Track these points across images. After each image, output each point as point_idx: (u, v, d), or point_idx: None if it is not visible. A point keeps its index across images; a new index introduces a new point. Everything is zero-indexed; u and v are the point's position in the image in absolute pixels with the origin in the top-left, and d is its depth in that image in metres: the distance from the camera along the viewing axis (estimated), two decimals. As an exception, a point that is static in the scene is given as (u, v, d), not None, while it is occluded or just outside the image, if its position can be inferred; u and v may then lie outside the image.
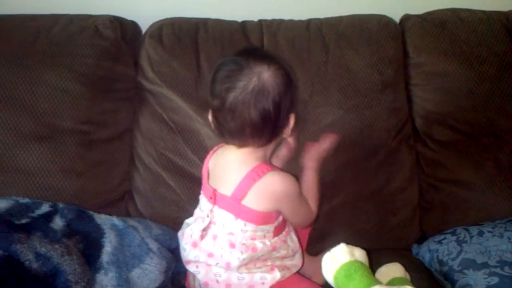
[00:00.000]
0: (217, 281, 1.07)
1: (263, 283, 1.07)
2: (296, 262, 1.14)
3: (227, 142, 1.09)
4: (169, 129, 1.35)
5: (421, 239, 1.36)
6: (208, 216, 1.09)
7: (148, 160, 1.36)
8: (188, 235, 1.12)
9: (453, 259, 1.18)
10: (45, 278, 0.91)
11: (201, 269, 1.08)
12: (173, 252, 1.14)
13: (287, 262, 1.12)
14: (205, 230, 1.09)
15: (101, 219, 1.08)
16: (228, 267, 1.06)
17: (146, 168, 1.36)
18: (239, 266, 1.05)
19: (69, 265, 0.92)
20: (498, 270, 1.08)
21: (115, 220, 1.09)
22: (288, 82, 1.04)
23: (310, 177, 1.16)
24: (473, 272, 1.10)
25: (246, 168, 1.05)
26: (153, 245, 1.07)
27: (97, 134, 1.32)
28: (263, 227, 1.07)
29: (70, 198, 1.25)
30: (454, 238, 1.24)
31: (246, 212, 1.05)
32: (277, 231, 1.10)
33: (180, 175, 1.34)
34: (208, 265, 1.08)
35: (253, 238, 1.06)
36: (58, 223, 1.05)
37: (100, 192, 1.32)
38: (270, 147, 1.09)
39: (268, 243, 1.08)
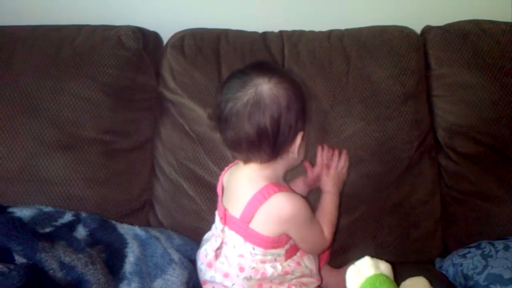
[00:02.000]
0: None
1: None
2: (314, 279, 1.11)
3: (233, 156, 1.08)
4: (190, 139, 1.36)
5: (444, 253, 1.34)
6: (220, 236, 1.08)
7: (169, 170, 1.36)
8: (204, 255, 1.11)
9: (478, 274, 1.16)
10: (69, 287, 0.91)
11: None
12: (194, 263, 1.13)
13: (304, 280, 1.09)
14: (218, 249, 1.08)
15: (124, 228, 1.09)
16: None
17: (167, 178, 1.36)
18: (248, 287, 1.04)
19: (93, 275, 0.92)
20: (526, 286, 1.06)
21: (138, 230, 1.10)
22: (293, 97, 1.00)
23: (328, 201, 1.13)
24: (499, 287, 1.08)
25: (253, 189, 1.02)
26: (175, 256, 1.07)
27: (118, 143, 1.33)
28: (273, 251, 1.04)
29: (92, 207, 1.26)
30: (479, 252, 1.22)
31: (254, 235, 1.02)
32: (290, 254, 1.07)
33: (201, 185, 1.34)
34: (225, 286, 1.06)
35: (263, 262, 1.04)
36: (81, 232, 1.06)
37: (121, 202, 1.32)
38: (279, 166, 1.05)
39: (279, 267, 1.05)
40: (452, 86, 1.39)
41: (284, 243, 1.05)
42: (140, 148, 1.37)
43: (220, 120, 1.01)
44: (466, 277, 1.18)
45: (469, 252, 1.24)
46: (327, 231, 1.09)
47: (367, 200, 1.31)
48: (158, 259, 1.04)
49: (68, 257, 0.94)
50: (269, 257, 1.04)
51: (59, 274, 0.92)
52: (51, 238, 0.98)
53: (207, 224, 1.32)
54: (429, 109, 1.41)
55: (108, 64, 1.35)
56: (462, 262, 1.22)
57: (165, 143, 1.38)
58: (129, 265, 1.00)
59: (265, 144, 0.99)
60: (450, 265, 1.26)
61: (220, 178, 1.16)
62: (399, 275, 1.04)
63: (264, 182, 1.02)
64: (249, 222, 1.02)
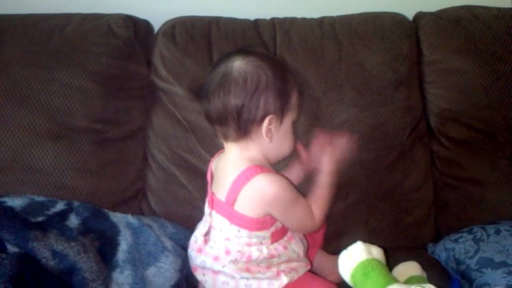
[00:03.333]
0: None
1: None
2: (303, 263, 1.11)
3: (214, 133, 1.09)
4: (182, 127, 1.35)
5: (436, 238, 1.35)
6: (208, 221, 1.08)
7: (161, 159, 1.36)
8: (193, 241, 1.11)
9: (470, 258, 1.17)
10: (61, 276, 0.91)
11: (208, 278, 1.06)
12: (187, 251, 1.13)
13: (293, 264, 1.09)
14: (207, 234, 1.08)
15: (116, 217, 1.08)
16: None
17: (159, 167, 1.36)
18: (236, 270, 1.04)
19: (86, 263, 0.92)
20: (517, 269, 1.06)
21: (130, 218, 1.09)
22: (265, 77, 0.99)
23: (322, 182, 1.09)
24: (491, 271, 1.09)
25: (237, 171, 1.02)
26: (168, 244, 1.07)
27: (110, 132, 1.32)
28: (258, 233, 1.04)
29: (84, 196, 1.26)
30: (470, 236, 1.23)
31: (239, 217, 1.02)
32: (276, 237, 1.06)
33: (193, 173, 1.33)
34: (215, 272, 1.06)
35: (249, 245, 1.04)
36: (73, 221, 1.05)
37: (113, 191, 1.32)
38: (257, 149, 1.03)
39: (265, 250, 1.04)
40: (444, 72, 1.40)
41: (269, 225, 1.04)
42: (132, 137, 1.37)
43: (201, 94, 1.04)
44: (458, 261, 1.19)
45: (461, 237, 1.25)
46: (318, 213, 1.07)
47: (360, 186, 1.32)
48: (151, 247, 1.04)
49: (60, 246, 0.93)
50: (254, 240, 1.04)
51: (52, 263, 0.91)
52: (43, 227, 0.97)
53: (200, 212, 1.31)
54: (421, 95, 1.42)
55: (98, 52, 1.34)
56: (454, 247, 1.23)
57: (157, 131, 1.37)
58: (122, 253, 0.99)
59: (230, 118, 0.99)
60: (443, 250, 1.26)
61: (210, 164, 1.16)
62: (391, 260, 1.05)
63: (247, 164, 1.02)
64: (233, 204, 1.02)
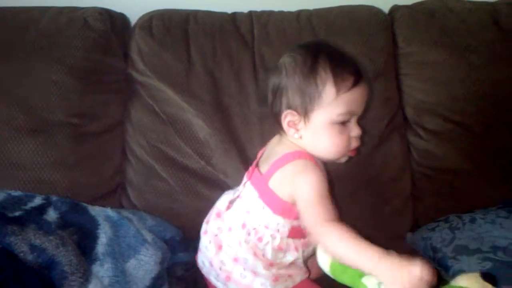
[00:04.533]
0: (220, 269, 1.04)
1: None
2: (302, 271, 1.07)
3: None
4: (160, 120, 1.35)
5: (414, 227, 1.37)
6: (239, 190, 1.08)
7: (140, 152, 1.35)
8: (216, 206, 1.12)
9: (446, 246, 1.19)
10: (40, 270, 0.90)
11: (211, 248, 1.06)
12: (167, 243, 1.13)
13: (292, 271, 1.06)
14: (231, 202, 1.08)
15: (95, 210, 1.07)
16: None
17: (138, 160, 1.35)
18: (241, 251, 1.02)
19: (65, 256, 0.91)
20: (491, 255, 1.09)
21: (110, 211, 1.09)
22: (286, 73, 1.01)
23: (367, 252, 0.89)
24: (466, 258, 1.11)
25: (284, 151, 1.03)
26: (148, 236, 1.07)
27: (88, 126, 1.31)
28: (279, 218, 1.02)
29: (63, 191, 1.24)
30: (447, 225, 1.25)
31: (269, 194, 1.02)
32: (294, 233, 1.03)
33: (173, 166, 1.33)
34: (219, 247, 1.05)
35: (266, 227, 1.02)
36: (51, 215, 1.04)
37: (92, 185, 1.31)
38: (309, 143, 1.03)
39: (278, 239, 1.02)
40: (419, 64, 1.41)
41: (293, 217, 1.02)
42: (110, 131, 1.36)
43: None
44: (435, 249, 1.21)
45: (438, 225, 1.27)
46: (337, 244, 0.93)
47: (338, 178, 1.33)
48: (130, 239, 1.03)
49: (38, 240, 0.93)
50: (273, 224, 1.02)
51: (30, 257, 0.90)
52: (21, 221, 0.96)
53: (180, 205, 1.32)
54: (397, 87, 1.43)
55: (75, 46, 1.32)
56: (431, 236, 1.25)
57: (135, 125, 1.36)
58: (101, 246, 0.99)
59: (270, 104, 1.05)
60: (420, 239, 1.29)
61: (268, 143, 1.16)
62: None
63: (297, 148, 1.03)
64: (269, 179, 1.02)
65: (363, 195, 1.34)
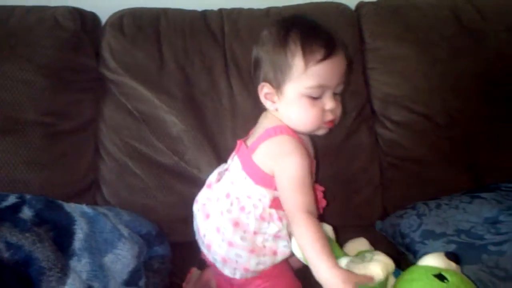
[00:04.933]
0: (204, 236, 1.09)
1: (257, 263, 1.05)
2: (286, 251, 1.06)
3: None
4: (133, 118, 1.36)
5: (383, 216, 1.42)
6: (228, 163, 1.12)
7: (113, 150, 1.36)
8: (208, 178, 1.15)
9: (414, 231, 1.24)
10: (17, 267, 0.90)
11: (200, 216, 1.10)
12: (143, 238, 1.14)
13: (277, 248, 1.06)
14: (220, 174, 1.12)
15: (71, 207, 1.08)
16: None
17: (112, 158, 1.36)
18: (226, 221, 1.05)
19: (42, 252, 0.92)
20: (455, 238, 1.14)
21: (85, 208, 1.09)
22: (263, 47, 1.03)
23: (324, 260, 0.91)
24: (432, 242, 1.17)
25: (268, 125, 1.06)
26: (124, 231, 1.08)
27: (60, 125, 1.31)
28: (261, 188, 1.04)
29: (37, 190, 1.24)
30: (414, 212, 1.30)
31: (251, 166, 1.04)
32: (276, 204, 1.04)
33: (147, 163, 1.35)
34: (207, 216, 1.08)
35: (249, 197, 1.04)
36: (26, 213, 1.03)
37: (66, 184, 1.31)
38: (285, 115, 1.04)
39: (260, 209, 1.03)
40: (385, 58, 1.46)
41: (273, 187, 1.04)
42: (83, 129, 1.36)
43: None
44: (403, 235, 1.26)
45: (406, 213, 1.32)
46: (306, 234, 0.95)
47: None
48: (107, 234, 1.04)
49: (14, 237, 0.93)
50: (255, 194, 1.04)
51: (6, 255, 0.91)
52: (-5, 220, 0.96)
53: (154, 201, 1.34)
54: (364, 81, 1.47)
55: (45, 45, 1.32)
56: (399, 222, 1.30)
57: (108, 123, 1.37)
58: (78, 242, 0.99)
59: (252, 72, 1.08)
60: (389, 226, 1.34)
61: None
62: (341, 238, 1.11)
63: (279, 123, 1.05)
64: (253, 152, 1.05)
65: (333, 186, 1.37)
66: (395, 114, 1.44)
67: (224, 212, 1.06)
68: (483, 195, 1.26)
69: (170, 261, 1.17)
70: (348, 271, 0.90)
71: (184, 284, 1.20)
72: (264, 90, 1.04)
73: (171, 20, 1.42)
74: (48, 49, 1.32)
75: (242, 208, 1.05)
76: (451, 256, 0.90)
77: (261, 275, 1.08)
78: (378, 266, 0.90)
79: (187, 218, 1.34)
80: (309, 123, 1.03)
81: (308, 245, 0.94)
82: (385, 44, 1.46)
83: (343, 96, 1.38)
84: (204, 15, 1.45)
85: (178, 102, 1.35)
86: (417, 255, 1.17)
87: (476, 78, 1.43)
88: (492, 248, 1.07)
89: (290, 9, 1.49)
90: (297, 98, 1.00)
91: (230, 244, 1.04)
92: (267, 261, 1.06)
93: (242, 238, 1.04)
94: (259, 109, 1.35)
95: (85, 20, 1.41)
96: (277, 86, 1.01)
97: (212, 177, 1.15)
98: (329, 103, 1.00)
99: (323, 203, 1.16)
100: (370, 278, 0.88)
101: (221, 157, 1.35)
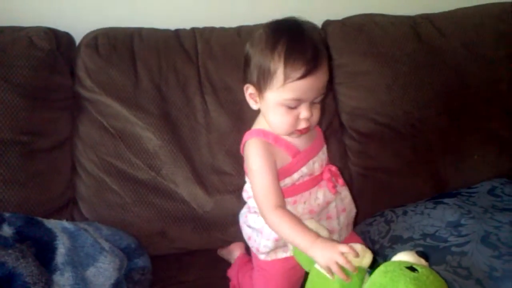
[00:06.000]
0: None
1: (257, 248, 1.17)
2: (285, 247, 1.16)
3: None
4: (109, 135, 1.39)
5: (354, 224, 1.47)
6: None
7: (90, 167, 1.38)
8: None
9: (383, 237, 1.30)
10: (1, 283, 0.92)
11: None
12: (123, 251, 1.17)
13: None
14: None
15: (51, 223, 1.10)
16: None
17: (89, 175, 1.38)
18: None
19: (25, 268, 0.94)
20: (421, 242, 1.21)
21: (66, 223, 1.12)
22: (253, 50, 1.06)
23: (304, 237, 1.01)
24: (401, 246, 1.23)
25: (253, 127, 1.15)
26: (105, 245, 1.11)
27: (37, 144, 1.33)
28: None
29: (14, 208, 1.25)
30: (383, 219, 1.37)
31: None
32: None
33: (124, 178, 1.37)
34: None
35: (245, 191, 1.21)
36: (6, 231, 1.05)
37: (44, 202, 1.32)
38: (265, 117, 1.11)
39: (251, 202, 1.16)
40: (351, 73, 1.53)
41: None
42: (59, 147, 1.38)
43: None
44: (373, 241, 1.32)
45: (375, 220, 1.39)
46: (276, 220, 1.06)
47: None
48: (89, 248, 1.07)
49: (-3, 254, 0.94)
50: (247, 185, 1.18)
51: (-11, 272, 0.92)
52: (-24, 239, 0.97)
53: (132, 216, 1.36)
54: (333, 96, 1.54)
55: (20, 65, 1.33)
56: (369, 230, 1.37)
57: (84, 140, 1.40)
58: (60, 257, 1.02)
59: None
60: (359, 234, 1.39)
61: None
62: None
63: (257, 126, 1.14)
64: (242, 151, 1.16)
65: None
66: (362, 126, 1.51)
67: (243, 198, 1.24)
68: (446, 200, 1.34)
69: (150, 272, 1.20)
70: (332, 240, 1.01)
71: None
72: (249, 91, 1.11)
73: (145, 39, 1.46)
74: (24, 69, 1.34)
75: (249, 197, 1.20)
76: (421, 253, 0.98)
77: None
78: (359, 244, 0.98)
79: (165, 232, 1.38)
80: (283, 128, 1.08)
81: (288, 230, 1.03)
82: (350, 60, 1.54)
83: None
84: (177, 34, 1.50)
85: (154, 119, 1.39)
86: (387, 260, 1.23)
87: (435, 90, 1.52)
88: (455, 249, 1.14)
89: (260, 27, 1.54)
90: (275, 105, 1.05)
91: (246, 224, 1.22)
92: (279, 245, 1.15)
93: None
94: (233, 124, 1.41)
95: (60, 40, 1.44)
96: (259, 90, 1.07)
97: None
98: (304, 112, 1.05)
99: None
100: (352, 248, 0.96)
101: (197, 172, 1.39)
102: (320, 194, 1.14)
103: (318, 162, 1.15)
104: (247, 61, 1.08)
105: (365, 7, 1.66)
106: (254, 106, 1.12)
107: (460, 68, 1.56)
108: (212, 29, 1.53)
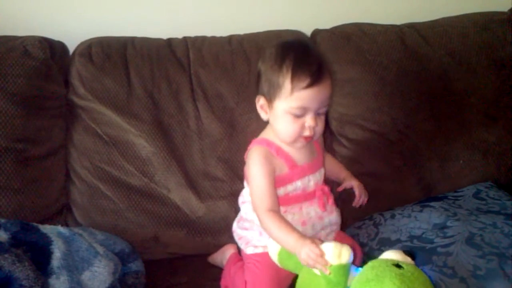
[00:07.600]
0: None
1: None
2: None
3: None
4: (103, 142, 1.41)
5: (343, 227, 1.50)
6: None
7: (84, 174, 1.40)
8: None
9: (371, 240, 1.34)
10: (-3, 288, 0.94)
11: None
12: (117, 255, 1.19)
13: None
14: None
15: (46, 228, 1.12)
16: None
17: (83, 181, 1.41)
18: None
19: (22, 272, 0.95)
20: (409, 243, 1.25)
21: (61, 228, 1.13)
22: (264, 65, 1.15)
23: (291, 235, 1.11)
24: (389, 248, 1.25)
25: (260, 136, 1.24)
26: (100, 249, 1.13)
27: (32, 151, 1.35)
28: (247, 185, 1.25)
29: (9, 215, 1.27)
30: (371, 222, 1.40)
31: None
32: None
33: (117, 185, 1.40)
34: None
35: (244, 193, 1.29)
36: (2, 236, 1.07)
37: (38, 208, 1.34)
38: (272, 126, 1.19)
39: (249, 207, 1.24)
40: (340, 81, 1.56)
41: None
42: (53, 155, 1.40)
43: None
44: (362, 244, 1.35)
45: (364, 223, 1.42)
46: (268, 222, 1.15)
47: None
48: (84, 253, 1.09)
49: (-7, 259, 0.96)
50: (245, 192, 1.27)
51: (-14, 276, 0.94)
52: (-28, 244, 0.99)
53: (126, 222, 1.39)
54: (322, 103, 1.58)
55: (15, 74, 1.36)
56: (358, 233, 1.40)
57: (78, 148, 1.42)
58: (56, 261, 1.03)
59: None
60: (349, 237, 1.43)
61: None
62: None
63: (262, 135, 1.24)
64: (245, 157, 1.24)
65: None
66: (350, 132, 1.54)
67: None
68: (432, 204, 1.38)
69: (144, 276, 1.22)
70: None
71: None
72: (260, 102, 1.19)
73: (138, 48, 1.49)
74: (19, 77, 1.36)
75: (243, 202, 1.30)
76: (408, 253, 1.02)
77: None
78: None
79: (158, 237, 1.40)
80: (289, 135, 1.16)
81: (278, 232, 1.13)
82: (339, 68, 1.57)
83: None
84: (169, 43, 1.53)
85: (147, 126, 1.41)
86: (375, 261, 1.27)
87: (422, 97, 1.57)
88: (440, 250, 1.18)
89: (251, 36, 1.59)
90: (283, 113, 1.14)
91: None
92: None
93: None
94: (225, 131, 1.44)
95: (54, 49, 1.46)
96: (269, 100, 1.16)
97: None
98: (309, 121, 1.14)
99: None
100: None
101: (189, 178, 1.42)
102: (311, 210, 1.23)
103: (314, 180, 1.24)
104: (258, 76, 1.18)
105: (353, 16, 1.70)
106: (264, 116, 1.20)
107: (445, 75, 1.60)
108: (203, 38, 1.57)
